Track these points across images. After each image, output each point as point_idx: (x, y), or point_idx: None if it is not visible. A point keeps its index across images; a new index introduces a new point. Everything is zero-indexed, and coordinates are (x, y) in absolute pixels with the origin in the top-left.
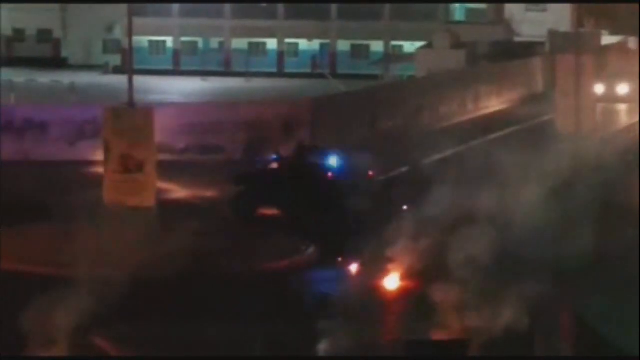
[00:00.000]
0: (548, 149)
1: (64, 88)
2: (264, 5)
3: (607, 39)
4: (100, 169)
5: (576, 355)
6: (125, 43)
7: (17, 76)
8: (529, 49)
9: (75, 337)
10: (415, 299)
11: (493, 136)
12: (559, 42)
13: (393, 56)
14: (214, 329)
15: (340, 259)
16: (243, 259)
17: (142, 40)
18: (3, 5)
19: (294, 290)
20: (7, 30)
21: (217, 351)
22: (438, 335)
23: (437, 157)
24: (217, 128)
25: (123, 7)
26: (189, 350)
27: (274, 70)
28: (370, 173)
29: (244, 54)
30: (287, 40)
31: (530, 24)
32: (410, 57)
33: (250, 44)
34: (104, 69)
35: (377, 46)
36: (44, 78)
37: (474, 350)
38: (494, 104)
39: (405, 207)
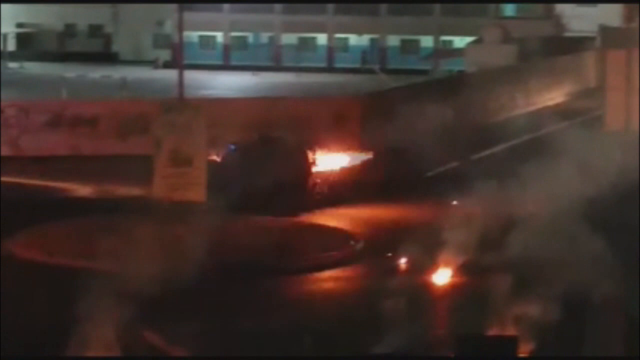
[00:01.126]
0: (599, 144)
1: (114, 83)
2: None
3: None
4: (150, 164)
5: (626, 355)
6: (175, 38)
7: (68, 71)
8: (579, 44)
9: (126, 333)
10: (466, 294)
11: (543, 131)
12: (610, 37)
13: (442, 51)
14: (265, 325)
15: (389, 254)
16: (292, 253)
17: (192, 35)
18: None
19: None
20: (58, 26)
21: (269, 348)
22: (488, 331)
23: (485, 152)
24: (267, 123)
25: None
26: (240, 347)
27: (324, 65)
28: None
29: (293, 49)
30: (337, 35)
31: (580, 19)
32: (459, 52)
33: (300, 39)
34: (154, 63)
35: (426, 41)
36: (95, 73)
37: (525, 346)
38: (544, 100)
39: (455, 202)
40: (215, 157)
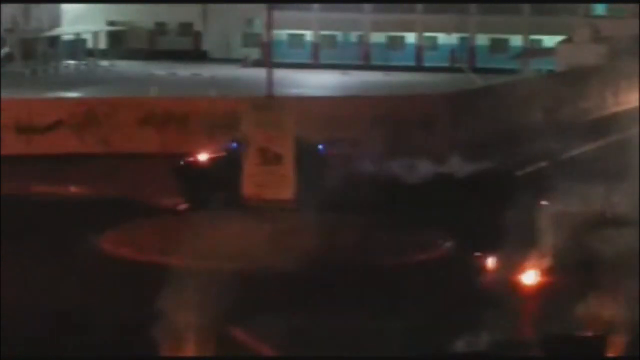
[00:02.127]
0: None
1: (204, 81)
2: None
3: None
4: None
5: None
6: (264, 36)
7: (158, 69)
8: None
9: (215, 329)
10: (554, 295)
11: (634, 131)
12: None
13: (531, 50)
14: (352, 322)
15: (478, 253)
16: (382, 252)
17: (281, 34)
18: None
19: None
20: (149, 24)
21: (355, 345)
22: (577, 331)
23: (576, 152)
24: (355, 121)
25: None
26: (327, 343)
27: (413, 64)
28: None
29: (382, 48)
30: (426, 34)
31: None
32: (549, 51)
33: (389, 37)
34: (243, 62)
35: (516, 40)
36: (184, 71)
37: (613, 347)
38: (634, 100)
39: (544, 202)
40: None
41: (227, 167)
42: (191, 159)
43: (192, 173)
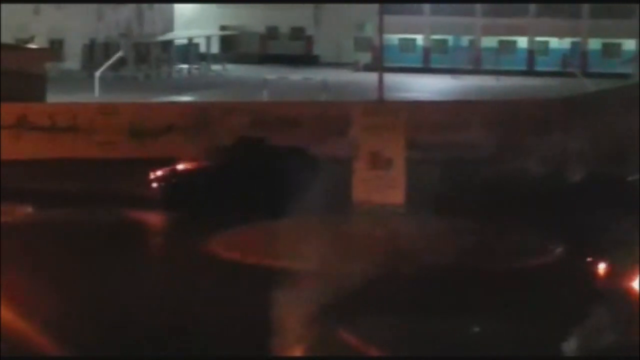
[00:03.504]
0: None
1: (315, 85)
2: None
3: None
4: (349, 166)
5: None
6: (376, 41)
7: (269, 73)
8: None
9: (321, 332)
10: None
11: None
12: None
13: None
14: (461, 326)
15: (589, 259)
16: (492, 256)
17: (392, 38)
18: (258, 4)
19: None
20: (261, 28)
21: (461, 348)
22: None
23: None
24: (466, 126)
25: (374, 5)
26: (435, 347)
27: (524, 68)
28: None
29: (493, 52)
30: (538, 39)
31: None
32: None
33: (501, 42)
34: (354, 66)
35: (629, 44)
36: (296, 75)
37: None
38: None
39: None
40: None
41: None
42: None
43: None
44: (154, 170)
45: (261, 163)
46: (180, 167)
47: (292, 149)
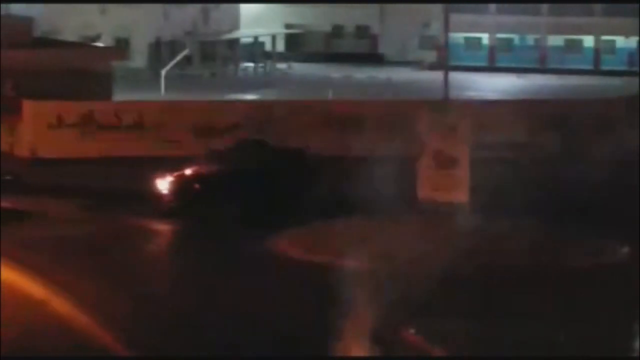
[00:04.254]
0: None
1: (380, 84)
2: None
3: None
4: (414, 165)
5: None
6: (441, 39)
7: (334, 72)
8: None
9: (386, 333)
10: None
11: None
12: None
13: None
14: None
15: None
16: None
17: (457, 37)
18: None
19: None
20: (326, 27)
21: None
22: None
23: None
24: (529, 125)
25: (440, 4)
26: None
27: (590, 67)
28: None
29: (559, 51)
30: (604, 37)
31: None
32: None
33: (566, 40)
34: (419, 65)
35: None
36: (361, 74)
37: None
38: None
39: None
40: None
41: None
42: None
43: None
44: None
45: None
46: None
47: (291, 150)
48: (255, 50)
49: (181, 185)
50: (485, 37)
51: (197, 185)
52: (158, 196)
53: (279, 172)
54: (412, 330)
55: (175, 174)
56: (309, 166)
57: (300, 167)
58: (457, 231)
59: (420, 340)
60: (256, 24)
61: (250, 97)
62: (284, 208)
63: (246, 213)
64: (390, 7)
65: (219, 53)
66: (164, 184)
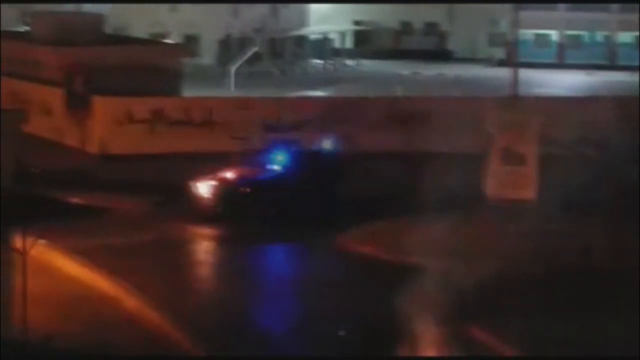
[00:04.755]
0: None
1: (448, 81)
2: None
3: None
4: (480, 163)
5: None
6: (510, 36)
7: (403, 69)
8: None
9: (453, 329)
10: None
11: None
12: None
13: None
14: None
15: None
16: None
17: (526, 33)
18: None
19: None
20: (394, 24)
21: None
22: None
23: None
24: (603, 122)
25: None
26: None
27: None
28: None
29: (629, 48)
30: None
31: None
32: None
33: (636, 37)
34: (488, 62)
35: None
36: (429, 71)
37: None
38: None
39: None
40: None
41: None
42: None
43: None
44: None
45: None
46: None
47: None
48: (324, 47)
49: (227, 189)
50: (554, 34)
51: (246, 189)
52: (199, 200)
53: (323, 172)
54: (481, 328)
55: (217, 177)
56: (345, 167)
57: (338, 168)
58: (525, 229)
59: (490, 337)
60: (325, 21)
61: (319, 93)
62: (336, 208)
63: (304, 213)
64: (459, 4)
65: (288, 50)
66: (204, 188)
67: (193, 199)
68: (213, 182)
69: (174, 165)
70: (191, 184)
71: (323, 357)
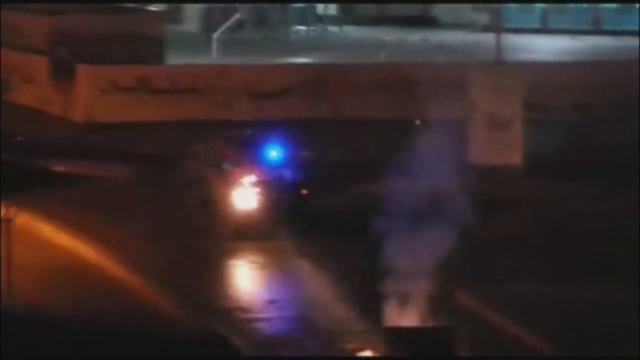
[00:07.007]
0: None
1: (433, 46)
2: None
3: None
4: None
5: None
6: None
7: (387, 35)
8: None
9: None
10: None
11: None
12: None
13: None
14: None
15: None
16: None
17: None
18: None
19: None
20: None
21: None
22: None
23: None
24: (584, 87)
25: None
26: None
27: None
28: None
29: (613, 13)
30: None
31: None
32: None
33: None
34: (472, 27)
35: None
36: (413, 37)
37: None
38: None
39: None
40: None
41: None
42: None
43: None
44: None
45: None
46: None
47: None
48: (307, 14)
49: (278, 194)
50: None
51: (303, 191)
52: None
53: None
54: (469, 295)
55: (254, 180)
56: None
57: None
58: (514, 194)
59: (477, 304)
60: None
61: (302, 60)
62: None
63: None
64: None
65: (271, 17)
66: (247, 195)
67: (229, 217)
68: (255, 189)
69: (160, 133)
70: (224, 194)
71: (323, 357)
